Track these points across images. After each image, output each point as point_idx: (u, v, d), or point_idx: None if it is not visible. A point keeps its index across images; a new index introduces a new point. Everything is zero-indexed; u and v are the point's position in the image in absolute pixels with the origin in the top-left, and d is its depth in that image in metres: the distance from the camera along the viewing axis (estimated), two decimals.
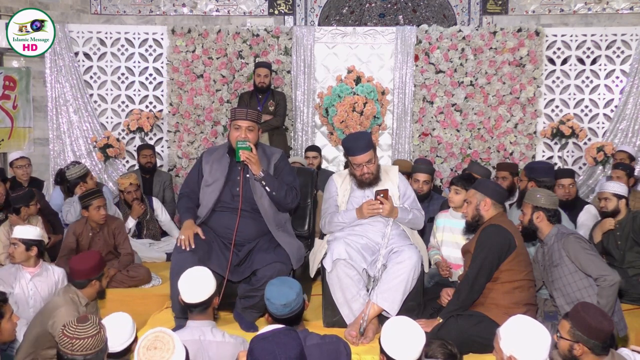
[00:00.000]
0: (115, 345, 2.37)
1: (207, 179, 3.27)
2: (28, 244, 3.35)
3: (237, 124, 3.18)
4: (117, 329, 2.40)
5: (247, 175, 3.21)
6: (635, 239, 3.70)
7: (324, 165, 5.94)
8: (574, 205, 4.17)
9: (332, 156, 6.20)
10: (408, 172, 5.02)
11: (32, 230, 3.41)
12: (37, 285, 3.37)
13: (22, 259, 3.36)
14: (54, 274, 3.47)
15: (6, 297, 2.53)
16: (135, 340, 2.54)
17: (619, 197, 3.73)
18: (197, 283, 2.52)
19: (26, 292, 3.35)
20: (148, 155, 5.52)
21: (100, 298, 3.23)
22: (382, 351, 2.11)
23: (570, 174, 4.25)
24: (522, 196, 3.45)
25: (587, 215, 4.11)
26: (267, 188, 3.15)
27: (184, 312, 3.05)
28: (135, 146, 6.24)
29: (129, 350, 2.42)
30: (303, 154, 6.03)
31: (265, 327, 2.15)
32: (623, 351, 2.53)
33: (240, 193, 3.16)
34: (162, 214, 4.96)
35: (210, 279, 2.57)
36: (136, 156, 5.65)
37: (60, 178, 5.04)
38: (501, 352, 2.08)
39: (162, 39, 6.22)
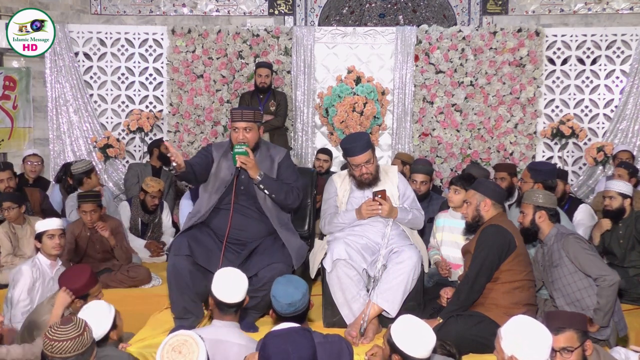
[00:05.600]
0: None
1: (213, 174, 3.26)
2: None
3: (234, 126, 3.18)
4: (94, 318, 2.43)
5: (244, 177, 3.21)
6: (638, 239, 3.71)
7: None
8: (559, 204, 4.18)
9: (332, 156, 6.19)
10: (410, 162, 5.04)
11: None
12: None
13: None
14: None
15: None
16: (115, 327, 2.55)
17: (624, 196, 3.74)
18: (234, 283, 2.54)
19: None
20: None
21: None
22: (395, 350, 2.10)
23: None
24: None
25: (583, 215, 4.12)
26: (265, 191, 3.16)
27: (184, 313, 3.06)
28: (135, 146, 6.25)
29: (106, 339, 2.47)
30: (304, 154, 6.04)
31: (280, 325, 2.15)
32: (621, 350, 2.54)
33: (232, 197, 3.15)
34: (166, 218, 4.94)
35: (244, 278, 2.59)
36: (153, 150, 5.52)
37: (63, 173, 5.06)
38: (502, 352, 2.08)
39: (162, 39, 6.22)
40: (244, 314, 3.14)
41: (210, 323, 2.68)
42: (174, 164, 2.93)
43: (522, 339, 2.04)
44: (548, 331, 2.10)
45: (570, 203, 4.21)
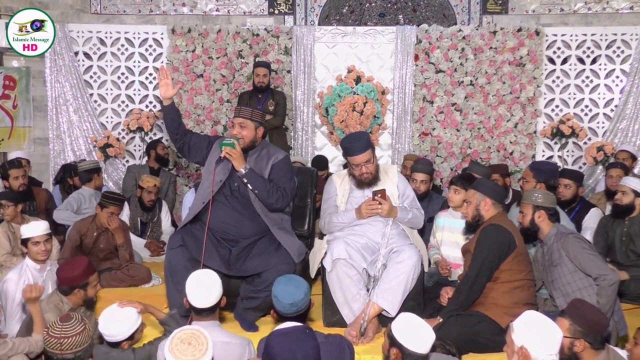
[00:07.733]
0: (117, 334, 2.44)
1: (209, 167, 3.27)
2: None
3: (232, 121, 3.30)
4: (119, 318, 2.47)
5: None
6: None
7: None
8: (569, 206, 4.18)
9: (332, 156, 6.20)
10: None
11: None
12: None
13: None
14: None
15: None
16: (131, 339, 2.56)
17: (637, 194, 3.74)
18: (205, 288, 2.51)
19: None
20: (167, 147, 5.57)
21: (87, 308, 3.07)
22: (394, 344, 2.10)
23: (568, 174, 4.25)
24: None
25: (594, 219, 4.09)
26: (248, 185, 3.16)
27: (183, 311, 3.06)
28: (135, 145, 6.25)
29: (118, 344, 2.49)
30: (303, 153, 6.04)
31: (283, 324, 2.15)
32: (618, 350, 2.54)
33: (212, 184, 3.18)
34: (165, 218, 4.94)
35: (217, 282, 2.56)
36: (150, 152, 5.54)
37: (63, 173, 5.06)
38: (513, 344, 2.08)
39: (162, 38, 6.22)
40: (245, 313, 3.15)
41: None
42: (161, 93, 3.20)
43: (533, 332, 2.05)
44: (558, 327, 2.11)
45: (581, 206, 4.20)
